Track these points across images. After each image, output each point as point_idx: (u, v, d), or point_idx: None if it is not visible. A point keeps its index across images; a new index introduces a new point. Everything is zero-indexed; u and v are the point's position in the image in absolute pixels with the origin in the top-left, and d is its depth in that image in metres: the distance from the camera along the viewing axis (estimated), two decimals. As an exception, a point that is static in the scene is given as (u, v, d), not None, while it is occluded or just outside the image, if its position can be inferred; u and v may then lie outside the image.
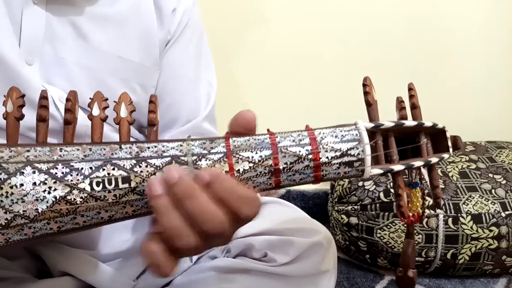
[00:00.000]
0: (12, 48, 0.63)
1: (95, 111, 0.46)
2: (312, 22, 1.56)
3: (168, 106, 0.82)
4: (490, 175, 1.32)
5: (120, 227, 0.75)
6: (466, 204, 1.24)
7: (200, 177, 0.41)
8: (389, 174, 0.47)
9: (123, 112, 0.47)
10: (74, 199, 0.42)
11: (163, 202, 0.41)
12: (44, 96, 0.45)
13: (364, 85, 0.47)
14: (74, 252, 0.69)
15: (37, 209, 0.42)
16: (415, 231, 1.22)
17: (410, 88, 0.48)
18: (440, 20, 1.56)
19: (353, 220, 1.29)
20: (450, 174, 1.32)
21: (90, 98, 0.47)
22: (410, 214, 0.50)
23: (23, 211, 0.42)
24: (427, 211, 1.23)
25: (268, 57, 1.57)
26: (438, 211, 1.23)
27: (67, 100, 0.46)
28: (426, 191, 0.53)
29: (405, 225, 0.50)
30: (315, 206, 1.61)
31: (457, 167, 1.35)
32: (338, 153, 0.45)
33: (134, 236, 0.77)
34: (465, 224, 1.22)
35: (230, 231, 0.43)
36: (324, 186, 1.63)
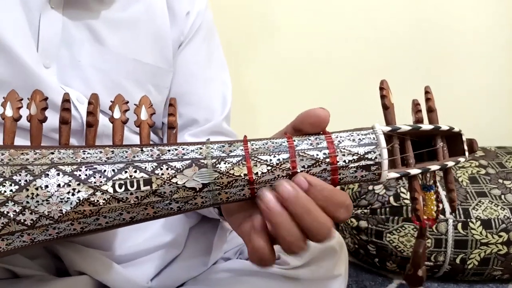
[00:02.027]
0: (31, 51, 0.64)
1: (116, 114, 0.47)
2: (321, 27, 1.57)
3: (185, 106, 0.83)
4: (500, 180, 1.32)
5: (135, 229, 0.76)
6: (475, 209, 1.24)
7: (298, 184, 0.44)
8: (402, 178, 0.48)
9: (144, 115, 0.48)
10: (97, 200, 0.43)
11: (282, 217, 0.43)
12: (66, 99, 0.46)
13: (381, 89, 0.47)
14: (90, 253, 0.70)
15: (61, 210, 0.43)
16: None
17: (427, 91, 0.48)
18: (449, 24, 1.56)
19: (363, 223, 1.29)
20: (460, 179, 1.32)
21: (111, 101, 0.47)
22: (425, 217, 0.50)
23: (48, 212, 0.42)
24: (435, 223, 1.23)
25: (278, 61, 1.59)
26: (448, 215, 1.23)
27: (89, 103, 0.46)
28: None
29: (418, 227, 0.51)
30: (323, 209, 1.60)
31: (466, 172, 1.35)
32: (355, 157, 0.45)
33: (148, 238, 0.77)
34: (474, 229, 1.22)
35: None
36: (334, 189, 1.63)
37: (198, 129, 0.83)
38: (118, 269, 0.72)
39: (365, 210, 1.29)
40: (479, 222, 1.23)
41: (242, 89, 1.52)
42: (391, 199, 1.27)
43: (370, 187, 1.32)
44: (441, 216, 1.24)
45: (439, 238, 1.23)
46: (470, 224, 1.23)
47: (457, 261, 1.24)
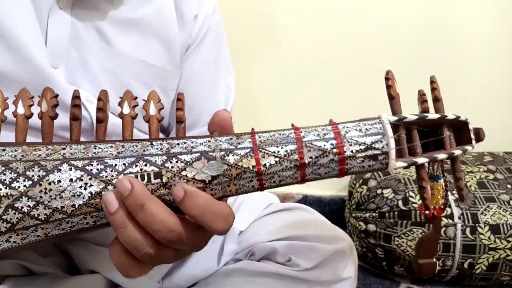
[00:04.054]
0: (39, 51, 0.64)
1: (126, 110, 0.48)
2: (323, 27, 1.57)
3: (189, 109, 0.84)
4: (509, 186, 1.31)
5: None
6: (484, 214, 1.24)
7: (174, 194, 0.43)
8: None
9: (152, 110, 0.49)
10: None
11: (118, 218, 0.42)
12: (77, 96, 0.47)
13: (387, 79, 0.48)
14: (101, 251, 0.71)
15: (74, 204, 0.43)
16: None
17: (432, 81, 0.49)
18: (455, 27, 1.56)
19: (371, 227, 1.29)
20: (468, 184, 1.32)
21: (120, 97, 0.48)
22: (432, 207, 0.50)
23: (61, 206, 0.43)
24: (445, 220, 1.23)
25: (281, 62, 1.59)
26: (456, 220, 1.23)
27: (99, 99, 0.47)
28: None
29: (431, 219, 0.51)
30: (331, 212, 1.62)
31: (475, 177, 1.35)
32: (362, 147, 0.46)
33: None
34: (482, 234, 1.22)
35: (196, 239, 0.46)
36: (341, 192, 1.64)
37: (195, 131, 0.84)
38: None
39: (374, 214, 1.29)
40: (487, 227, 1.22)
41: (245, 90, 1.53)
42: (400, 203, 1.27)
43: (379, 191, 1.32)
44: (450, 221, 1.24)
45: (447, 242, 1.23)
46: (479, 229, 1.23)
47: (465, 265, 1.24)
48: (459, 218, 1.24)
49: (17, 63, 0.62)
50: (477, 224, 1.23)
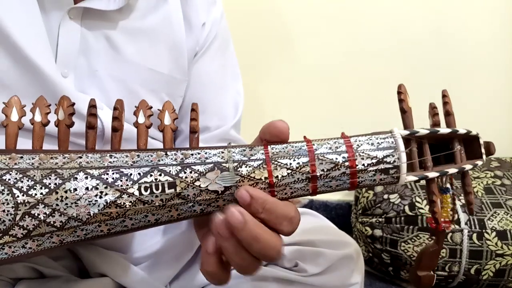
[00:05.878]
0: (49, 61, 0.65)
1: (141, 119, 0.49)
2: (337, 34, 1.57)
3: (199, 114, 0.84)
4: (516, 192, 1.32)
5: (152, 231, 0.76)
6: (491, 220, 1.24)
7: (240, 198, 0.45)
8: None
9: (167, 120, 0.49)
10: (124, 203, 0.44)
11: (232, 245, 0.44)
12: (93, 105, 0.47)
13: (399, 93, 0.48)
14: (109, 255, 0.71)
15: (89, 212, 0.44)
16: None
17: (444, 95, 0.49)
18: (466, 36, 1.56)
19: (377, 232, 1.29)
20: (475, 190, 1.32)
21: (135, 107, 0.49)
22: (442, 219, 0.50)
23: (76, 214, 0.44)
24: (451, 226, 1.23)
25: (294, 69, 1.60)
26: (463, 226, 1.23)
27: (115, 108, 0.48)
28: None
29: (435, 231, 0.51)
30: (337, 217, 1.62)
31: (482, 182, 1.35)
32: (374, 161, 0.46)
33: (165, 238, 0.78)
34: (489, 240, 1.22)
35: None
36: (347, 197, 1.65)
37: (207, 135, 0.84)
38: (136, 271, 0.72)
39: (380, 219, 1.29)
40: (494, 233, 1.22)
41: (254, 97, 1.53)
42: (406, 208, 1.28)
43: (385, 196, 1.33)
44: (456, 226, 1.24)
45: (454, 248, 1.23)
46: (485, 234, 1.23)
47: (472, 271, 1.24)
48: (466, 223, 1.24)
49: (27, 74, 0.63)
50: (484, 230, 1.23)
